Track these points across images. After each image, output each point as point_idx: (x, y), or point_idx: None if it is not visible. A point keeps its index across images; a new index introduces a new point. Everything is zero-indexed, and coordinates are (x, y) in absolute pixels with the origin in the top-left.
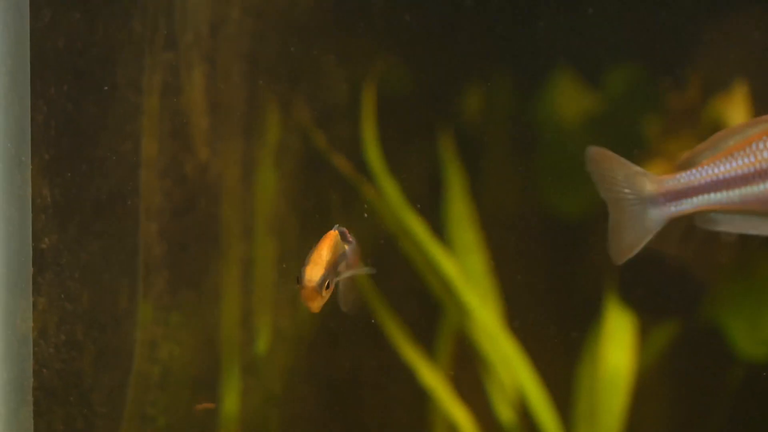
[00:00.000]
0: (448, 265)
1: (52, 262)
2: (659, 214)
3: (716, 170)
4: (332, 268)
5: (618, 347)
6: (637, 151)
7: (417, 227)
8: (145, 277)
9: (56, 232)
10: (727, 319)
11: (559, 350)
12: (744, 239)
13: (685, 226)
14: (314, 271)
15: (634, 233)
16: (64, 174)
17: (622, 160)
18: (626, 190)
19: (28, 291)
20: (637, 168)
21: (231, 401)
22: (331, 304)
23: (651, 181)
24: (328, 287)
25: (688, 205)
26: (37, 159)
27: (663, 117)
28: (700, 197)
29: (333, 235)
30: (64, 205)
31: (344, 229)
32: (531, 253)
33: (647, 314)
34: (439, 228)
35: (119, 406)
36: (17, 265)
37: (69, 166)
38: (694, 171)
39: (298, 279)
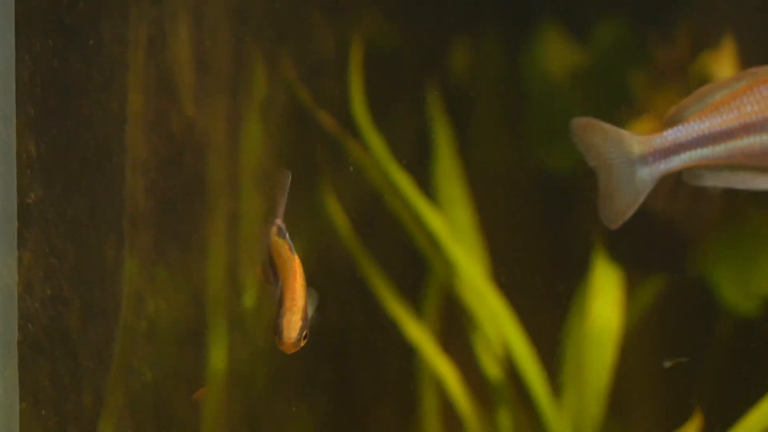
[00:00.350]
0: (434, 220)
1: (37, 218)
2: (649, 174)
3: (703, 126)
4: (306, 312)
5: (605, 302)
6: (624, 106)
7: (403, 183)
8: (131, 233)
9: (42, 187)
10: (715, 273)
11: (546, 305)
12: (732, 193)
13: (673, 182)
14: (292, 324)
15: (627, 196)
16: (49, 129)
17: (607, 125)
18: (614, 155)
19: (13, 246)
20: (623, 131)
21: (218, 356)
22: (317, 259)
23: (638, 142)
24: (306, 337)
25: (677, 162)
26: (22, 114)
27: (651, 72)
28: (689, 153)
29: (299, 268)
30: (50, 161)
31: (282, 226)
32: (518, 209)
33: (635, 269)
34: (425, 183)
35: (106, 360)
36: (2, 220)
37: (54, 122)
38: (680, 127)
39: (276, 331)
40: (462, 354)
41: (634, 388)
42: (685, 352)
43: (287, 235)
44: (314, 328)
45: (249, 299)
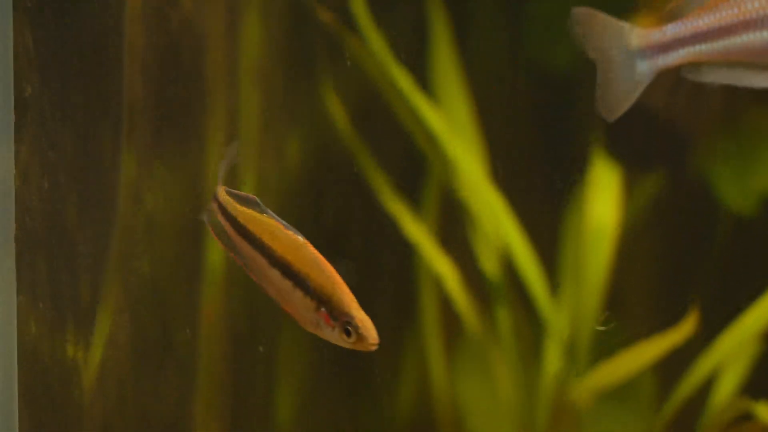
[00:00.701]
0: (432, 116)
1: (34, 111)
2: (647, 67)
3: (703, 21)
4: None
5: (604, 200)
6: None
7: (401, 79)
8: (128, 127)
9: (39, 80)
10: (713, 171)
11: (545, 203)
12: (731, 91)
13: (673, 78)
14: (366, 322)
15: (625, 88)
16: (47, 23)
17: (608, 17)
18: (613, 47)
19: (10, 139)
20: (623, 23)
21: (215, 251)
22: (315, 155)
23: (637, 35)
24: None
25: (676, 57)
26: (19, 7)
27: None
28: (687, 49)
29: (316, 251)
30: (47, 54)
31: (254, 198)
32: (517, 105)
33: (633, 167)
34: (424, 80)
35: (103, 256)
36: None
37: (52, 15)
38: (680, 23)
39: (353, 337)
40: (460, 251)
41: (632, 286)
42: (682, 251)
43: (269, 210)
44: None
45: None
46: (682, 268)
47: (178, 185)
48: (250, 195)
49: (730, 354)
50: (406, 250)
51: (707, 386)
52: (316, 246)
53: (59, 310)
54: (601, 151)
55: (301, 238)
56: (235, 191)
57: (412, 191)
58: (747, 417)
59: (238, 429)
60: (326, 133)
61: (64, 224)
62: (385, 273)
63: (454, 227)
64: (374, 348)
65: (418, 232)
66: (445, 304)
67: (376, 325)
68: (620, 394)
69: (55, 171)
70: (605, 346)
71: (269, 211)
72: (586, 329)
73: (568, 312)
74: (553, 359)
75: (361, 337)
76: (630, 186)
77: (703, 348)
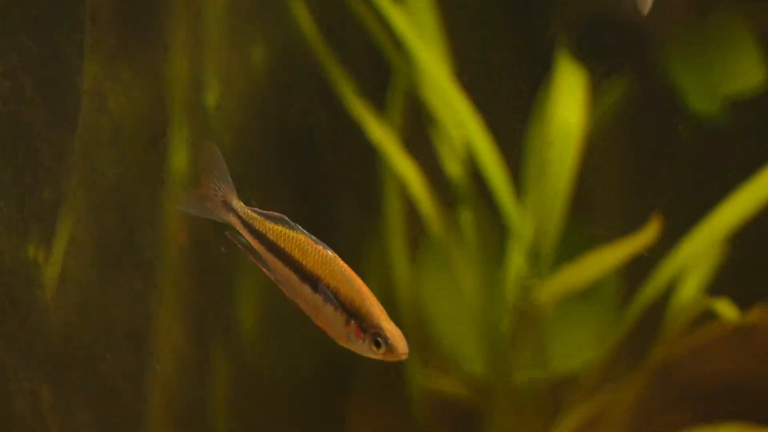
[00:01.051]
0: (397, 19)
1: None
2: None
3: None
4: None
5: (569, 103)
6: None
7: None
8: (93, 30)
9: None
10: (679, 75)
11: (509, 106)
12: None
13: None
14: (396, 333)
15: None
16: None
17: None
18: None
19: None
20: None
21: (180, 156)
22: (282, 59)
23: None
24: None
25: None
26: None
27: None
28: None
29: (346, 265)
30: None
31: (284, 217)
32: (484, 8)
33: (599, 70)
34: None
35: (68, 160)
36: None
37: None
38: None
39: (384, 348)
40: (425, 155)
41: (597, 190)
42: (647, 155)
43: (299, 226)
44: None
45: (212, 98)
46: (647, 171)
47: (143, 89)
48: (276, 213)
49: (693, 256)
50: (371, 153)
51: (671, 289)
52: (280, 150)
53: (23, 213)
54: (567, 55)
55: (330, 252)
56: (259, 209)
57: (376, 94)
58: (710, 316)
59: (201, 333)
60: (291, 36)
61: (27, 127)
62: (349, 176)
63: (419, 130)
64: (405, 358)
65: (382, 135)
66: (410, 207)
67: (342, 228)
68: (584, 296)
69: (19, 75)
70: (569, 250)
71: (299, 227)
72: (550, 232)
73: (532, 215)
74: (516, 262)
75: (390, 348)
76: (595, 89)
77: (667, 251)
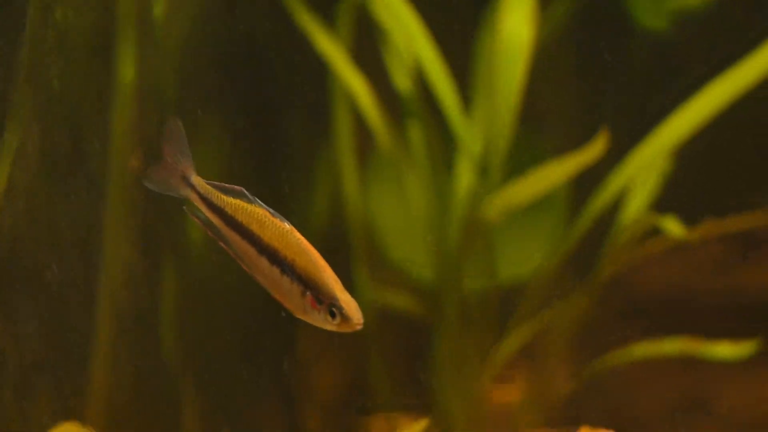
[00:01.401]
0: None
1: None
2: None
3: None
4: None
5: (517, 15)
6: None
7: None
8: None
9: None
10: None
11: (458, 19)
12: None
13: None
14: (351, 304)
15: None
16: None
17: None
18: None
19: None
20: None
21: (127, 68)
22: None
23: None
24: None
25: None
26: None
27: None
28: None
29: (304, 239)
30: None
31: (242, 189)
32: None
33: None
34: None
35: (14, 71)
36: None
37: None
38: None
39: (339, 318)
40: (373, 67)
41: (545, 104)
42: (595, 68)
43: (257, 199)
44: None
45: (159, 8)
46: (595, 85)
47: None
48: (236, 186)
49: (640, 170)
50: (320, 67)
51: (618, 203)
52: (226, 65)
53: None
54: None
55: (287, 225)
56: (218, 183)
57: (326, 8)
58: (655, 232)
59: (150, 244)
60: None
61: None
62: (299, 90)
63: (368, 44)
64: (359, 328)
65: (332, 48)
66: (359, 119)
67: (290, 143)
68: (534, 208)
69: None
70: (517, 164)
71: (257, 200)
72: (499, 146)
73: (481, 128)
74: (465, 175)
75: (345, 318)
76: (543, 4)
77: (614, 164)
